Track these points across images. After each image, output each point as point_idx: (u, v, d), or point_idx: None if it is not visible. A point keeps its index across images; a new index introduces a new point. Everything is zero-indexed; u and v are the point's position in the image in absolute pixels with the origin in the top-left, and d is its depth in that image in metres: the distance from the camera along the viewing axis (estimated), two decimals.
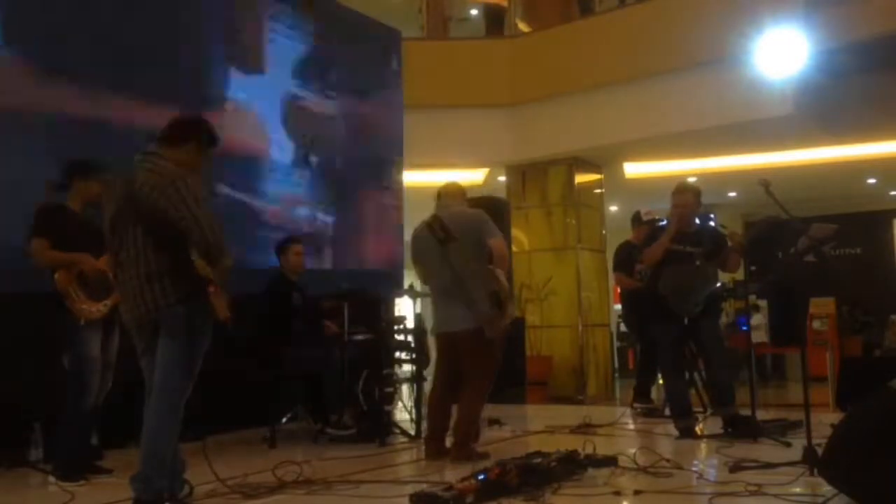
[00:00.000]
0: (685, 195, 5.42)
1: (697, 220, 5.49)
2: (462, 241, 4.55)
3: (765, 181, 4.33)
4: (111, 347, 4.27)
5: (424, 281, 4.93)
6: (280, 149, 6.84)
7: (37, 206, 4.20)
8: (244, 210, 6.40)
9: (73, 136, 5.15)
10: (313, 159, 7.12)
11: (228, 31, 6.48)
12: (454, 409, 4.70)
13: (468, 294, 4.51)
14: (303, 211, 7.02)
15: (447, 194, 4.90)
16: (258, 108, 6.66)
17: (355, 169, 7.59)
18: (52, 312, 4.11)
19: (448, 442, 4.70)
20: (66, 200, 4.27)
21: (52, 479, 4.06)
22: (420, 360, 5.75)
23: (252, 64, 6.65)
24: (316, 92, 7.23)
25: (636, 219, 7.14)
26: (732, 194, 12.12)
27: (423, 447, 4.87)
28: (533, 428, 6.15)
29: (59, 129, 5.13)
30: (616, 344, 12.65)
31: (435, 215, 4.70)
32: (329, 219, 7.26)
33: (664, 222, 5.77)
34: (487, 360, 4.62)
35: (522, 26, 11.17)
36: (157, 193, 3.16)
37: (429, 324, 5.04)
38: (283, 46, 6.98)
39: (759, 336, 9.12)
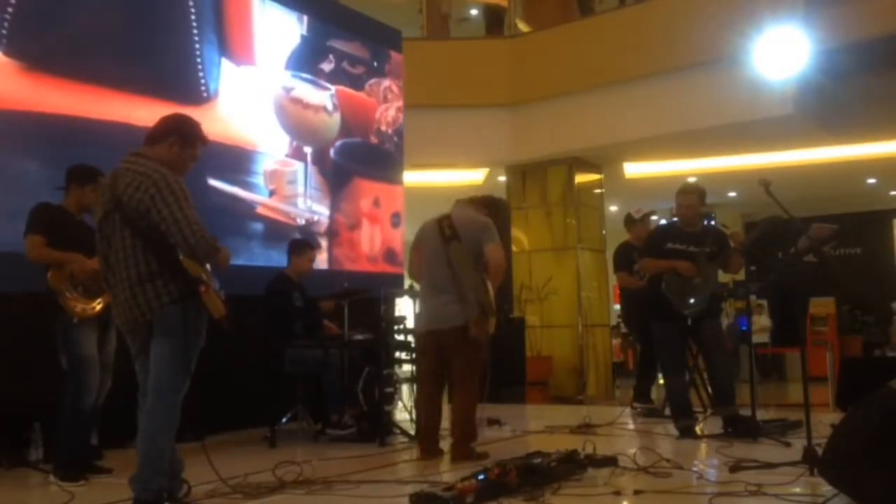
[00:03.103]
0: (690, 196, 5.44)
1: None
2: (464, 243, 4.60)
3: (765, 181, 4.33)
4: (108, 347, 4.26)
5: (414, 273, 4.92)
6: (274, 142, 6.81)
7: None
8: (237, 205, 6.35)
9: (71, 137, 5.14)
10: (307, 151, 7.10)
11: (220, 23, 6.43)
12: (444, 408, 4.70)
13: (461, 289, 4.54)
14: (298, 206, 6.99)
15: (470, 199, 4.97)
16: (251, 100, 6.61)
17: (353, 164, 7.57)
18: (48, 311, 4.10)
19: (443, 442, 4.70)
20: (63, 203, 4.27)
21: (52, 479, 4.05)
22: (420, 361, 5.75)
23: (244, 56, 6.63)
24: (311, 84, 7.21)
25: (629, 220, 7.14)
26: (732, 194, 12.13)
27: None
28: (533, 428, 6.15)
29: (58, 128, 5.12)
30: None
31: (447, 214, 4.79)
32: (325, 214, 7.25)
33: (662, 221, 5.77)
34: (475, 357, 4.63)
35: (522, 26, 11.17)
36: (140, 194, 3.13)
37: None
38: (277, 38, 6.95)
39: (760, 336, 9.11)
